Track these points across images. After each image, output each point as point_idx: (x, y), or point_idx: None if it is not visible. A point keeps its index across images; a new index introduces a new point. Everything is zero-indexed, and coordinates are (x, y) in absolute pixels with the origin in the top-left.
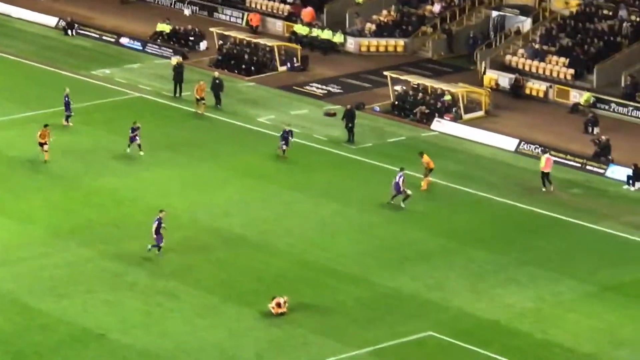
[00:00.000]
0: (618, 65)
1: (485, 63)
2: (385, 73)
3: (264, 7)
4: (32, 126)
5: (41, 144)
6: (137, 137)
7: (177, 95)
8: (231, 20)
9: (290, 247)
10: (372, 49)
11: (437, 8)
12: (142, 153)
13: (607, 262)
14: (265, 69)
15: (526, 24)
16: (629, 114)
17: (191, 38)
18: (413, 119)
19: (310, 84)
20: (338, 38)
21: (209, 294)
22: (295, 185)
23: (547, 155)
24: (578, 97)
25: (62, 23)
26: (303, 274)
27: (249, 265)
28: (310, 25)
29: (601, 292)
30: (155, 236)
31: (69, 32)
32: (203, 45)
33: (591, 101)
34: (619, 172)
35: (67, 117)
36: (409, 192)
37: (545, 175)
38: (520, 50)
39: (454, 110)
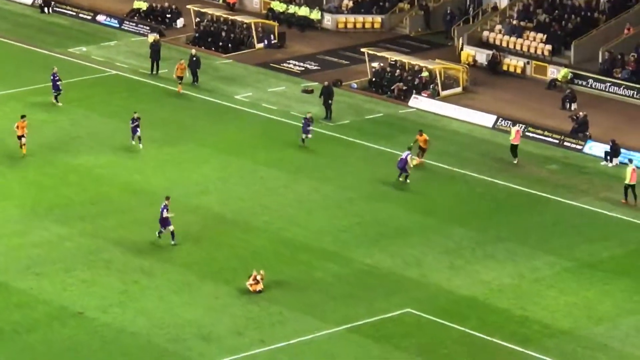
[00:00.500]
0: (595, 41)
1: (462, 39)
2: (362, 50)
3: None
4: (10, 104)
5: (19, 137)
6: (137, 129)
7: (154, 72)
8: None
9: (267, 224)
10: (350, 25)
11: None
12: (141, 146)
13: (584, 238)
14: (242, 46)
15: (503, 0)
16: (607, 90)
17: (168, 15)
18: (390, 96)
19: (288, 61)
20: (315, 15)
21: (186, 271)
22: (273, 162)
23: (516, 128)
24: (555, 73)
25: (39, 1)
26: (280, 251)
27: (226, 243)
28: (287, 2)
29: (579, 268)
30: (160, 222)
31: (46, 9)
32: (180, 22)
33: (569, 77)
34: (596, 148)
35: (56, 96)
36: (409, 171)
37: (514, 147)
38: (498, 27)
39: (431, 86)
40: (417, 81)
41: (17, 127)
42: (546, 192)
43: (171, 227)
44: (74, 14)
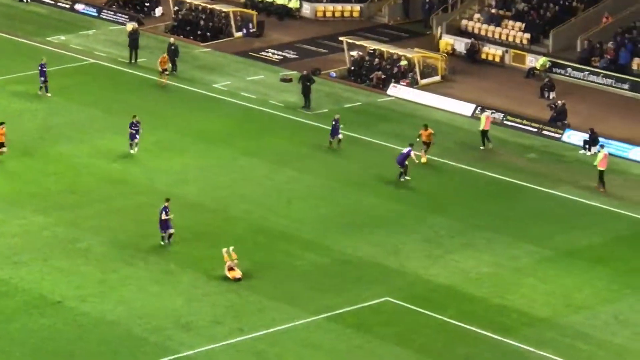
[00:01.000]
0: (574, 30)
1: (441, 28)
2: (341, 38)
3: None
4: None
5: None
6: (137, 135)
7: (133, 61)
8: None
9: (246, 213)
10: (328, 14)
11: None
12: (135, 150)
13: (563, 226)
14: (221, 34)
15: None
16: (585, 78)
17: (146, 4)
18: (369, 85)
19: (266, 50)
20: (294, 3)
21: (165, 261)
22: (252, 151)
23: (486, 113)
24: (534, 61)
25: None
26: (260, 240)
27: (205, 232)
28: None
29: (558, 256)
30: (160, 225)
31: None
32: (158, 11)
33: (547, 66)
34: (575, 137)
35: (44, 87)
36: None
37: (484, 134)
38: (476, 15)
39: (410, 75)
40: (395, 70)
41: None
42: (525, 181)
43: (171, 230)
44: (53, 2)
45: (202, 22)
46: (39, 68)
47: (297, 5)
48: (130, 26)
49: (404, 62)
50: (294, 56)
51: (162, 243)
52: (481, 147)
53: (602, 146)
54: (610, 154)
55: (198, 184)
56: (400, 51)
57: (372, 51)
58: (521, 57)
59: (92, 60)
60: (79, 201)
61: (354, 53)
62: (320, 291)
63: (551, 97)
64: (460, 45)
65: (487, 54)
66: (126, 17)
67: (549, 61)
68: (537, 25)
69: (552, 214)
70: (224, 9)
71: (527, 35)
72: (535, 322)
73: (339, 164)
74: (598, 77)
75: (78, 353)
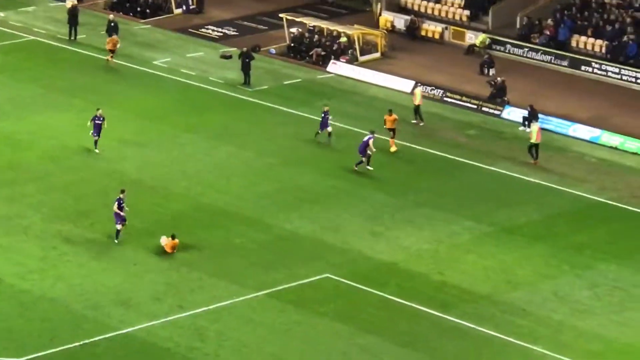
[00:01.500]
0: (513, 7)
1: (380, 4)
2: (281, 15)
3: None
4: None
5: None
6: (99, 132)
7: (72, 38)
8: None
9: (186, 190)
10: None
11: None
12: (97, 151)
13: (503, 203)
14: (160, 11)
15: None
16: (525, 55)
17: None
18: (309, 61)
19: (206, 27)
20: None
21: (105, 237)
22: (191, 128)
23: (419, 89)
24: (473, 38)
25: None
26: (199, 216)
27: (145, 209)
28: None
29: (497, 233)
30: (115, 216)
31: None
32: None
33: (487, 42)
34: (514, 114)
35: None
36: (370, 153)
37: (417, 109)
38: None
39: (349, 52)
40: (335, 47)
41: None
42: (464, 157)
43: (118, 226)
44: None
45: None
46: None
47: None
48: (69, 3)
49: (343, 39)
50: (233, 33)
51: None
52: (413, 121)
53: (535, 120)
54: (550, 130)
55: (137, 160)
56: (339, 28)
57: (311, 28)
58: (461, 34)
59: (31, 37)
60: (18, 178)
61: (294, 30)
62: (260, 268)
63: (491, 73)
64: (400, 22)
65: (427, 30)
66: None
67: (489, 38)
68: (476, 2)
69: (491, 191)
70: None
71: (467, 12)
72: (475, 299)
73: (279, 141)
74: (537, 54)
75: (18, 330)
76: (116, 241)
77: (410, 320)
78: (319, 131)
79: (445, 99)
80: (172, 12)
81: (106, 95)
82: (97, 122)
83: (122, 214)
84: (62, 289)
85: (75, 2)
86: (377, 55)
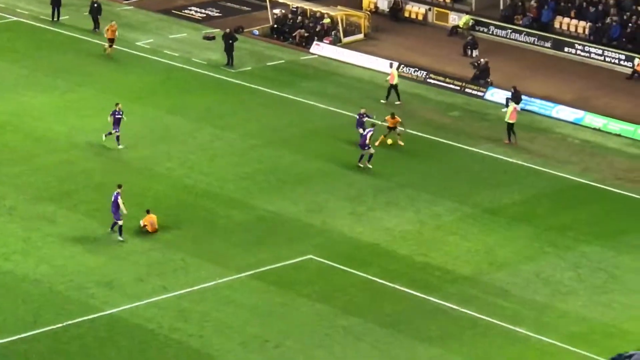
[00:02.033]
0: None
1: None
2: None
3: None
4: None
5: None
6: (118, 128)
7: (56, 19)
8: None
9: (169, 171)
10: None
11: None
12: (122, 145)
13: (486, 184)
14: None
15: None
16: (508, 36)
17: None
18: (292, 43)
19: (189, 8)
20: None
21: (88, 219)
22: (175, 109)
23: (393, 68)
24: (457, 19)
25: None
26: (182, 198)
27: (128, 190)
28: None
29: (481, 214)
30: (114, 213)
31: None
32: None
33: (470, 24)
34: (497, 95)
35: None
36: (372, 151)
37: (393, 88)
38: None
39: (333, 33)
40: (318, 28)
41: None
42: (447, 139)
43: (120, 222)
44: None
45: None
46: None
47: None
48: None
49: (327, 20)
50: (217, 14)
51: (112, 231)
52: (382, 101)
53: (510, 99)
54: (533, 112)
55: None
56: (323, 9)
57: (295, 9)
58: (444, 15)
59: (15, 18)
60: (2, 159)
61: (277, 11)
62: (243, 249)
63: (474, 55)
64: (383, 3)
65: (410, 12)
66: None
67: (472, 19)
68: None
69: (474, 172)
70: None
71: None
72: (457, 280)
73: (262, 122)
74: (521, 35)
75: (1, 311)
76: (120, 238)
77: (393, 301)
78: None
79: (428, 80)
80: None
81: (90, 77)
82: (117, 116)
83: (124, 211)
84: (46, 270)
85: None
86: (361, 36)
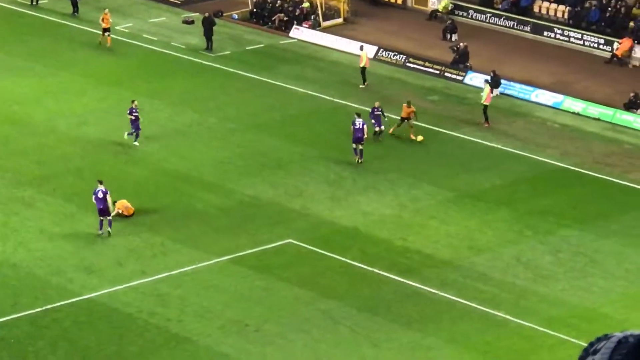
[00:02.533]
0: None
1: None
2: None
3: None
4: None
5: None
6: (139, 124)
7: (34, 3)
8: None
9: (149, 155)
10: None
11: None
12: (137, 143)
13: (465, 168)
14: None
15: None
16: (487, 20)
17: None
18: (271, 27)
19: None
20: None
21: (67, 203)
22: (154, 93)
23: (364, 51)
24: (436, 3)
25: None
26: (162, 182)
27: (107, 174)
28: None
29: (460, 198)
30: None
31: None
32: None
33: (449, 8)
34: (477, 79)
35: None
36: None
37: (362, 70)
38: None
39: (312, 17)
40: (298, 12)
41: None
42: (427, 123)
43: (109, 217)
44: None
45: None
46: None
47: None
48: None
49: (306, 4)
50: None
51: (100, 232)
52: (361, 86)
53: (486, 81)
54: (512, 96)
55: (100, 126)
56: None
57: None
58: (423, 0)
59: None
60: None
61: None
62: (222, 233)
63: (453, 39)
64: None
65: None
66: None
67: (452, 3)
68: None
69: (454, 156)
70: None
71: None
72: (437, 264)
73: (241, 106)
74: (500, 20)
75: None
76: (109, 230)
77: (372, 285)
78: (376, 127)
79: (407, 64)
80: None
81: (68, 61)
82: (134, 114)
83: (113, 212)
84: (24, 254)
85: None
86: (340, 20)
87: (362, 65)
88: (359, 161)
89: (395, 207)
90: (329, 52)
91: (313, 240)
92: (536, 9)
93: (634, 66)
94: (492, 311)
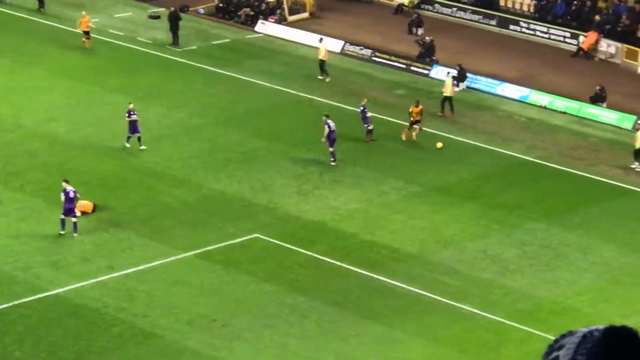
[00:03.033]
0: None
1: None
2: None
3: None
4: None
5: None
6: (137, 126)
7: None
8: None
9: (115, 150)
10: None
11: None
12: (143, 147)
13: (432, 162)
14: None
15: None
16: (453, 14)
17: None
18: (237, 21)
19: None
20: None
21: (34, 199)
22: (120, 89)
23: (323, 44)
24: None
25: None
26: (129, 177)
27: (74, 169)
28: None
29: (427, 192)
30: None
31: None
32: None
33: (415, 2)
34: (443, 73)
35: None
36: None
37: (322, 64)
38: None
39: (278, 12)
40: (263, 6)
41: None
42: (393, 117)
43: (74, 219)
44: None
45: None
46: None
47: None
48: None
49: None
50: None
51: (62, 232)
52: (319, 77)
53: (449, 74)
54: (478, 89)
55: (66, 121)
56: None
57: None
58: None
59: None
60: None
61: None
62: (189, 228)
63: (419, 33)
64: None
65: None
66: None
67: None
68: None
69: (420, 150)
70: None
71: None
72: (404, 258)
73: (207, 101)
74: (466, 13)
75: None
76: (75, 234)
77: (339, 279)
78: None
79: (374, 58)
80: None
81: (35, 57)
82: (132, 117)
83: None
84: None
85: None
86: (306, 15)
87: (320, 57)
88: (334, 163)
89: (362, 202)
90: (295, 46)
91: (280, 235)
92: (502, 3)
93: (600, 59)
94: (459, 305)
